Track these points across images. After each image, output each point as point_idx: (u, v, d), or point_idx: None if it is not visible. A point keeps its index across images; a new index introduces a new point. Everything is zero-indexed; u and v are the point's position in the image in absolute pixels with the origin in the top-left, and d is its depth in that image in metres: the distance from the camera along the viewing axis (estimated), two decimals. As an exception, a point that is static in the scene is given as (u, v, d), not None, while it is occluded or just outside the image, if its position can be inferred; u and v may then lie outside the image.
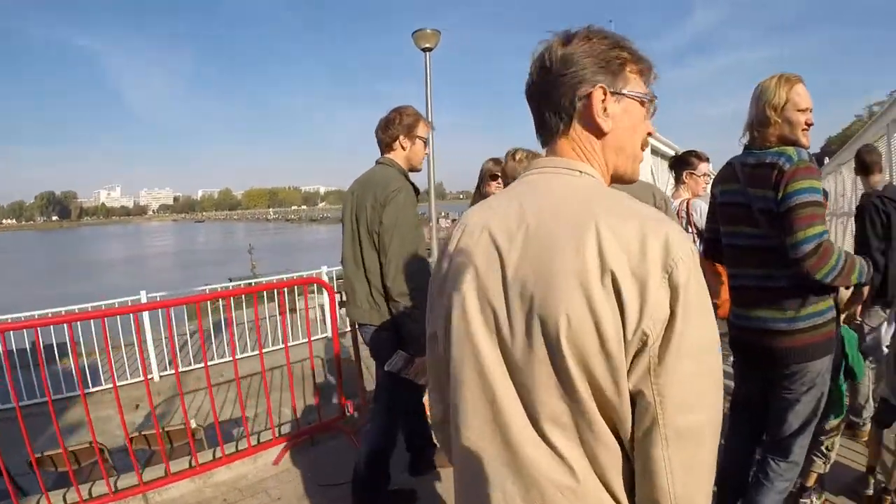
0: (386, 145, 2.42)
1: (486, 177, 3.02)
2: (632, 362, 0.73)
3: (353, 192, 2.46)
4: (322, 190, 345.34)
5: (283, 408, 5.22)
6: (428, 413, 2.87)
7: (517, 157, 2.49)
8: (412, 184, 2.39)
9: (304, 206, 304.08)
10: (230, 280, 15.40)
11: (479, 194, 3.06)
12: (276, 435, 3.32)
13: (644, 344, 0.72)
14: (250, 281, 8.38)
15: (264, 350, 5.87)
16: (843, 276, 1.68)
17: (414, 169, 2.48)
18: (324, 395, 4.71)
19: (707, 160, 3.27)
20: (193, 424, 3.43)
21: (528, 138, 2.42)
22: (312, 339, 6.02)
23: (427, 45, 8.23)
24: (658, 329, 0.71)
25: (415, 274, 2.25)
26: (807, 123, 1.78)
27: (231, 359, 6.23)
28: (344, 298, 2.58)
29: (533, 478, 0.78)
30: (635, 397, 0.74)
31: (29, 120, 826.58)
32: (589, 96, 0.84)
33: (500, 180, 2.86)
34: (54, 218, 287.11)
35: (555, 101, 0.86)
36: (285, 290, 7.69)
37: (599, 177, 0.88)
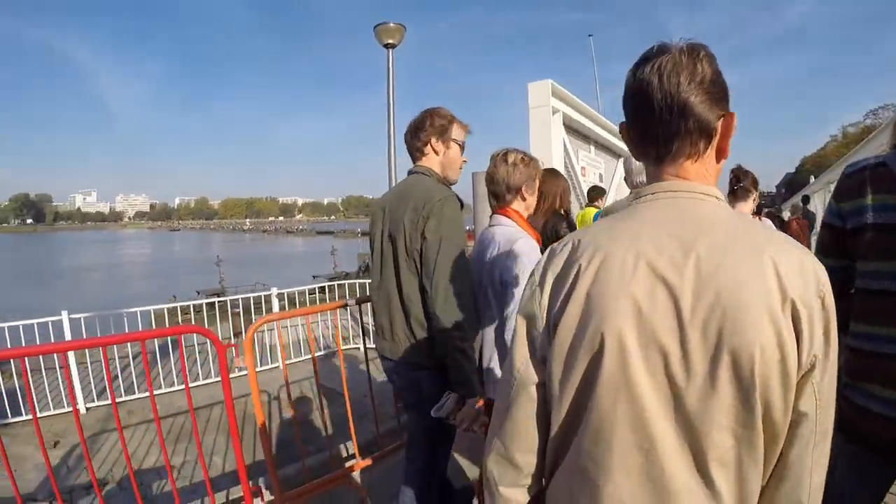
0: (417, 150, 2.11)
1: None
2: (798, 385, 0.73)
3: (384, 207, 2.11)
4: (300, 202, 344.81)
5: (214, 456, 4.48)
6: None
7: (510, 160, 2.07)
8: (456, 195, 2.03)
9: (281, 217, 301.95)
10: (198, 293, 15.48)
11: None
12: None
13: (812, 367, 0.73)
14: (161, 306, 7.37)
15: (161, 390, 5.21)
16: None
17: (449, 180, 2.13)
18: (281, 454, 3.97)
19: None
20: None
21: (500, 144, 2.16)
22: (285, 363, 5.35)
23: (390, 42, 7.61)
24: (822, 351, 0.73)
25: (467, 302, 1.88)
26: None
27: (167, 390, 5.72)
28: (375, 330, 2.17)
29: None
30: (797, 417, 0.75)
31: (1, 121, 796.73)
32: (730, 117, 0.82)
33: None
34: (28, 221, 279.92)
35: (700, 118, 0.80)
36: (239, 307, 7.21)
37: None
